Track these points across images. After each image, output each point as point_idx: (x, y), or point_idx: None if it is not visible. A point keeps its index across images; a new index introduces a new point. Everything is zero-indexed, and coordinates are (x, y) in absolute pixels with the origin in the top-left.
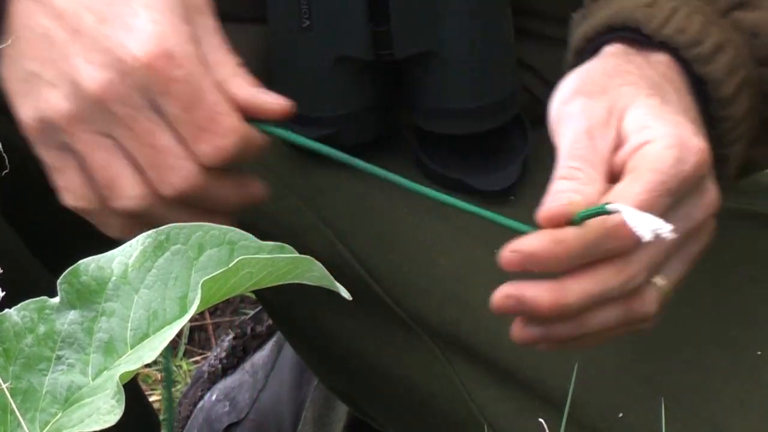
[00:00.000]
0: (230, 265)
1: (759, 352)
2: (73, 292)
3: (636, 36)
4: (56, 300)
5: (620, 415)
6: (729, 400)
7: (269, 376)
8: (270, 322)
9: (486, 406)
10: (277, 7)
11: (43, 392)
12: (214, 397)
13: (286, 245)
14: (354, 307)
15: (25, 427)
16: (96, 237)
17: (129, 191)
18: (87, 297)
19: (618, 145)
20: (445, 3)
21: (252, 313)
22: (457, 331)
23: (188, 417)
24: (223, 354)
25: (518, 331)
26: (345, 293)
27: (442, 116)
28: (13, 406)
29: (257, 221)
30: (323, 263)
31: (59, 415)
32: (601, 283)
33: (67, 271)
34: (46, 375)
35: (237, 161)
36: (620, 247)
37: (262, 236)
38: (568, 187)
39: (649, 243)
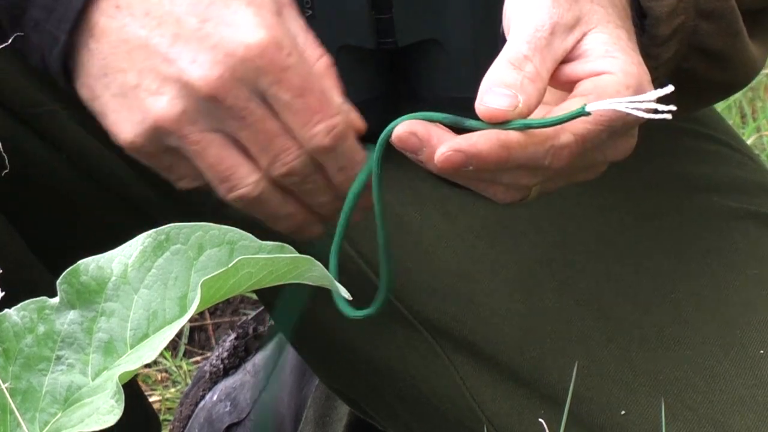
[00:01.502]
0: (230, 265)
1: (761, 351)
2: (73, 292)
3: None
4: (56, 300)
5: (623, 412)
6: (731, 398)
7: (270, 377)
8: (272, 322)
9: (486, 403)
10: None
11: (43, 392)
12: (215, 397)
13: (286, 245)
14: (356, 305)
15: (25, 427)
16: (96, 237)
17: (245, 179)
18: (87, 297)
19: (572, 58)
20: None
21: (253, 313)
22: (460, 327)
23: (189, 416)
24: (225, 354)
25: (445, 155)
26: (345, 293)
27: (445, 105)
28: (13, 406)
29: (259, 219)
30: (326, 260)
31: (59, 415)
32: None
33: (66, 271)
34: (45, 375)
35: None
36: (555, 162)
37: (264, 234)
38: (512, 80)
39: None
